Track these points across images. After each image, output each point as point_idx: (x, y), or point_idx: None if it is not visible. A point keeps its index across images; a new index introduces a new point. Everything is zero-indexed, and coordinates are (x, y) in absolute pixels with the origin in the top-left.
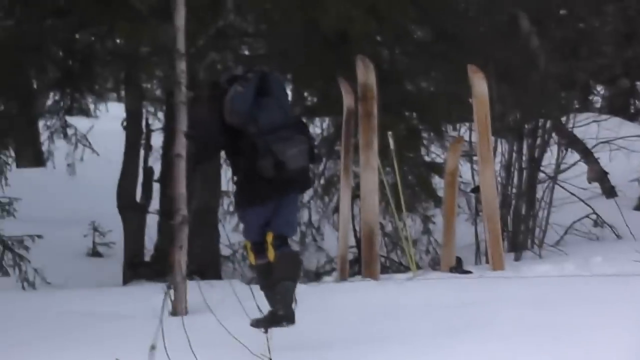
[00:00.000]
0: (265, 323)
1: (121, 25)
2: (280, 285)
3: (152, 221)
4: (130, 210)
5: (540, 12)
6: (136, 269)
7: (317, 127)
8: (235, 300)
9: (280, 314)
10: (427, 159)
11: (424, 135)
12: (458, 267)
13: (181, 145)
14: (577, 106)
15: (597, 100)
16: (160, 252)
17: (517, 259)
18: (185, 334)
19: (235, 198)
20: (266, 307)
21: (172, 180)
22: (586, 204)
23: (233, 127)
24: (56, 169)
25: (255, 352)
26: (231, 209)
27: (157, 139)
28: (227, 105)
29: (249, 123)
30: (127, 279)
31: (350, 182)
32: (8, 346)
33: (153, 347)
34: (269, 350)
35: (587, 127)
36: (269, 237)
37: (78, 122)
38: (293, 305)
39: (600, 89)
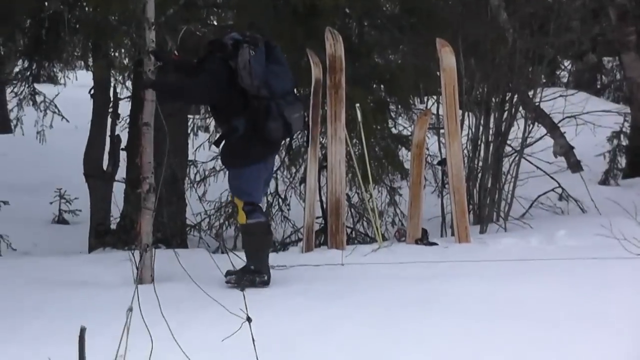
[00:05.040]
0: (244, 281)
1: None
2: (259, 251)
3: (118, 189)
4: (97, 178)
5: None
6: (102, 237)
7: None
8: (203, 268)
9: (261, 272)
10: (394, 131)
11: (392, 107)
12: (424, 239)
13: (149, 114)
14: (544, 81)
15: (564, 75)
16: (127, 220)
17: (482, 231)
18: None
19: (231, 158)
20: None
21: (139, 149)
22: (552, 177)
23: (236, 88)
24: (25, 135)
25: (231, 311)
26: (198, 178)
27: (125, 108)
28: (243, 67)
29: (262, 86)
30: (92, 247)
31: (317, 153)
32: None
33: (130, 309)
34: (246, 307)
35: (554, 101)
36: (240, 202)
37: (45, 90)
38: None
39: (567, 64)
